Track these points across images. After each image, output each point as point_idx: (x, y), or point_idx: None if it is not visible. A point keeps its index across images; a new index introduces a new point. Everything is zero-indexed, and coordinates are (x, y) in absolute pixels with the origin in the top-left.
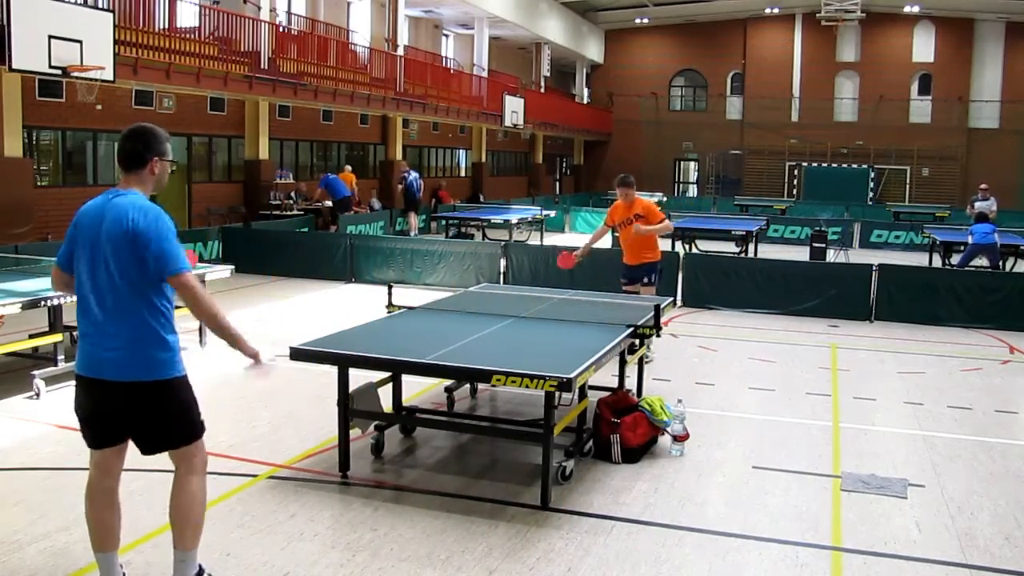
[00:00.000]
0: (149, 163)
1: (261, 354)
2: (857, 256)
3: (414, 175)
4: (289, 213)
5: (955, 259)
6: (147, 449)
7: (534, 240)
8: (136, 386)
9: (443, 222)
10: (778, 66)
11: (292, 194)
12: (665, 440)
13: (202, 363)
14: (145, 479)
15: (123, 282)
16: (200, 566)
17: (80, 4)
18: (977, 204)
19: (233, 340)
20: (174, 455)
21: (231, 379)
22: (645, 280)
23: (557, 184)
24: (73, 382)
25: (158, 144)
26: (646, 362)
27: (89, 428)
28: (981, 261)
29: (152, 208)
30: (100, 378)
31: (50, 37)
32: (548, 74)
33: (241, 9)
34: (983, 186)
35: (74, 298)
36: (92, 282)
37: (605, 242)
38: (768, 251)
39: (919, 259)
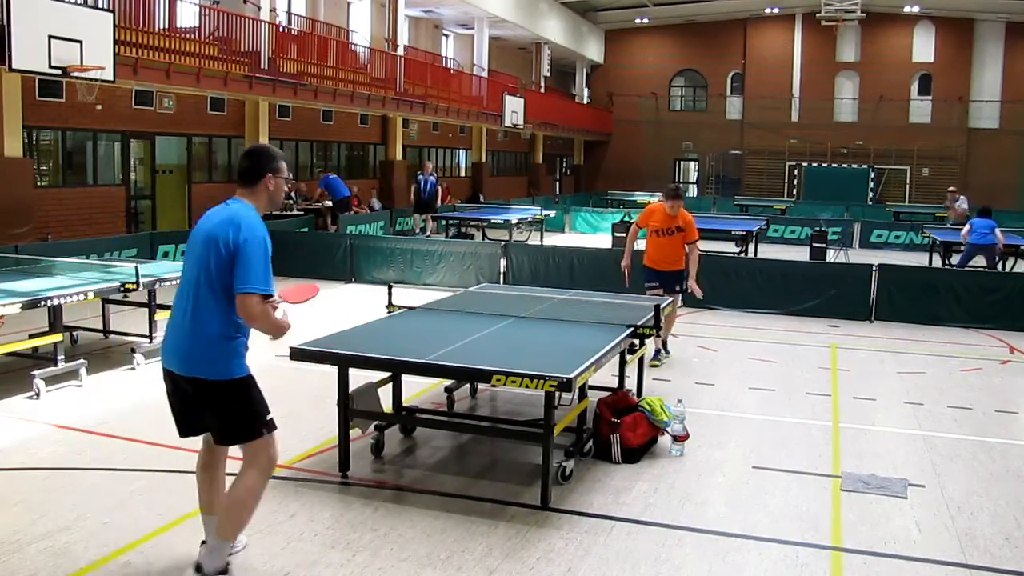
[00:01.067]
0: (263, 180)
1: (285, 316)
2: (857, 256)
3: (424, 177)
4: (289, 213)
5: (955, 259)
6: (218, 439)
7: (534, 240)
8: (200, 382)
9: (443, 222)
10: (778, 66)
11: (292, 194)
12: (665, 440)
13: None
14: (146, 479)
15: (206, 282)
16: (228, 563)
17: (80, 4)
18: (957, 205)
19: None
20: (241, 447)
21: None
22: (677, 288)
23: (557, 184)
24: (72, 382)
25: (272, 162)
26: (652, 365)
27: (175, 419)
28: (980, 260)
29: (255, 226)
30: (171, 370)
31: (50, 37)
32: (548, 74)
33: (241, 9)
34: (951, 189)
35: (73, 299)
36: (186, 277)
37: (603, 241)
38: (768, 251)
39: (919, 259)
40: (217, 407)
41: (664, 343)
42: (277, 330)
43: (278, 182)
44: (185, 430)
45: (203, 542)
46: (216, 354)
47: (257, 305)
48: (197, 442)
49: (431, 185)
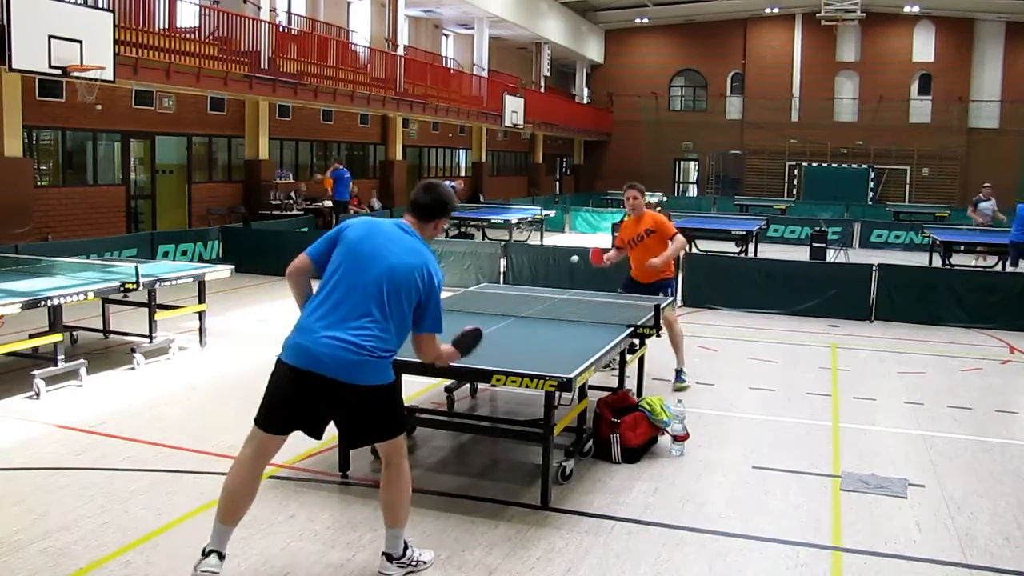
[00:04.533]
0: (438, 221)
1: (454, 353)
2: (857, 256)
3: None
4: (289, 213)
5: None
6: (372, 438)
7: (534, 240)
8: (365, 389)
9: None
10: (778, 66)
11: (292, 194)
12: (665, 440)
13: (202, 363)
14: (146, 479)
15: (396, 306)
16: (405, 541)
17: (80, 4)
18: (981, 205)
19: (445, 360)
20: (382, 447)
21: (231, 379)
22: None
23: (557, 184)
24: (72, 382)
25: (451, 209)
26: (677, 389)
27: (278, 413)
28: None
29: (438, 267)
30: (321, 374)
31: (50, 37)
32: (548, 74)
33: (241, 9)
34: (986, 185)
35: (73, 299)
36: (356, 290)
37: (603, 241)
38: (768, 251)
39: (919, 259)
40: (379, 408)
41: (680, 366)
42: (440, 360)
43: (444, 225)
44: (291, 425)
45: (212, 551)
46: (385, 364)
47: (434, 345)
48: (197, 442)
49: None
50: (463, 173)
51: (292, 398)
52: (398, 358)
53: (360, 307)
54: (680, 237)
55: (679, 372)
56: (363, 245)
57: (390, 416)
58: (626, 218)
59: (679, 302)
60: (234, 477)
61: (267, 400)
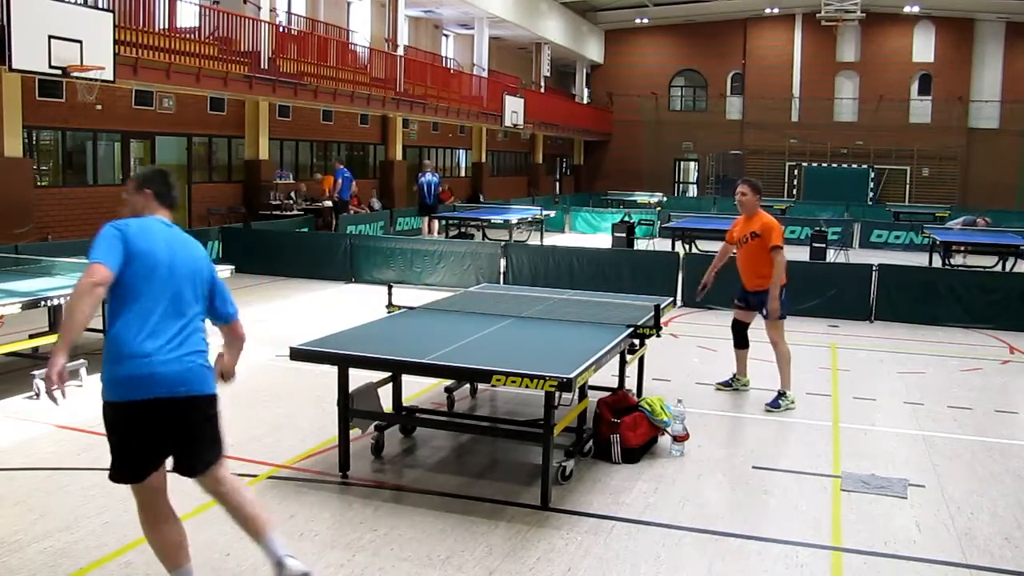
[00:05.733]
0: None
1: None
2: (857, 256)
3: (427, 177)
4: (289, 213)
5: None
6: (210, 459)
7: (534, 240)
8: (198, 400)
9: (443, 222)
10: (778, 66)
11: (292, 194)
12: (665, 440)
13: None
14: None
15: (200, 305)
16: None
17: (80, 4)
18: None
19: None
20: (209, 476)
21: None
22: (763, 313)
23: (557, 184)
24: (73, 382)
25: None
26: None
27: (139, 455)
28: (980, 260)
29: None
30: (171, 395)
31: (50, 37)
32: (548, 74)
33: (241, 9)
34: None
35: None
36: (174, 297)
37: (603, 241)
38: None
39: (919, 259)
40: (210, 423)
41: (783, 388)
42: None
43: None
44: (148, 466)
45: None
46: (207, 369)
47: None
48: None
49: (433, 186)
50: (463, 173)
51: (146, 435)
52: (403, 358)
53: (183, 313)
54: (781, 254)
55: (780, 394)
56: (158, 250)
57: (219, 430)
58: (739, 217)
59: (679, 301)
60: (152, 536)
61: (121, 451)
